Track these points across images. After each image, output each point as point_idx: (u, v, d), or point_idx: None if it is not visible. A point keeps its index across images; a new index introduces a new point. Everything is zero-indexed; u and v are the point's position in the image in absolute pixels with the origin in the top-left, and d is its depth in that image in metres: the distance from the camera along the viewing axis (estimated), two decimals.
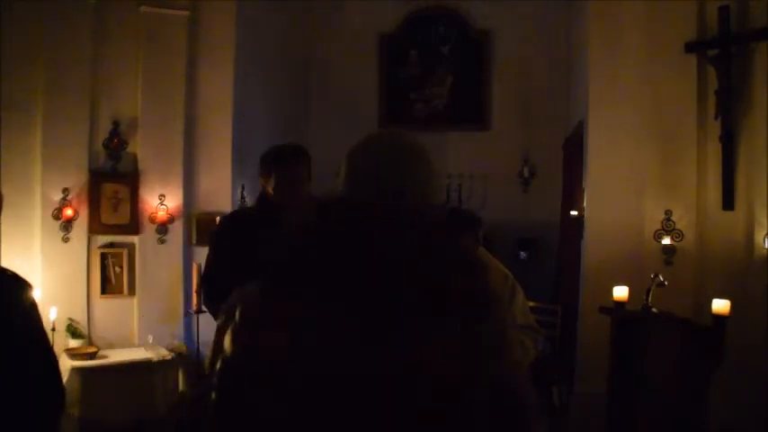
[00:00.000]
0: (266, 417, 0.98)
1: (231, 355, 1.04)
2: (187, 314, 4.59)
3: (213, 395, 1.07)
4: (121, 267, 4.49)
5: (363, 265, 0.96)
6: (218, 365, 1.08)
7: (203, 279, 2.67)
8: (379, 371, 0.94)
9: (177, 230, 4.63)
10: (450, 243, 1.04)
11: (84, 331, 4.31)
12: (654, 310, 3.51)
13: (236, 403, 1.02)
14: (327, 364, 0.96)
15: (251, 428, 1.00)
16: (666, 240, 4.24)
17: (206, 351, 4.27)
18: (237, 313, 1.06)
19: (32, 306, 1.61)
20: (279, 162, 2.49)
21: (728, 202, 4.06)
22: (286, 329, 0.97)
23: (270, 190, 2.52)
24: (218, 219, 4.64)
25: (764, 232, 3.77)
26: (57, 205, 4.28)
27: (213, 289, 2.53)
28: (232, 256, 2.47)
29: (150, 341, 4.35)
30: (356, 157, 1.10)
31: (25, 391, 1.51)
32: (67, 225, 4.30)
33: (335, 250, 0.98)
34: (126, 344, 4.42)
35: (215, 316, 2.76)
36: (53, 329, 4.07)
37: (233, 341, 1.05)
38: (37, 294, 4.05)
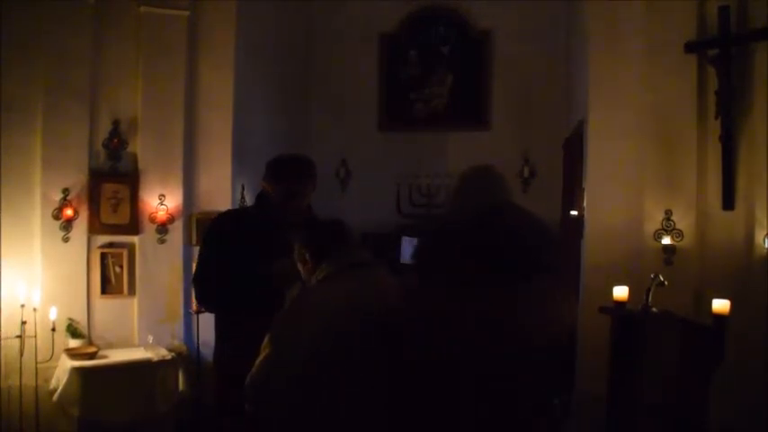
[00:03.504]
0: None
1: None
2: (187, 314, 4.59)
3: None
4: (121, 267, 4.49)
5: (489, 240, 1.79)
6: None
7: (197, 277, 2.59)
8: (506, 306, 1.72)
9: (177, 230, 4.63)
10: (536, 225, 1.91)
11: (84, 331, 4.31)
12: (654, 309, 3.51)
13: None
14: (474, 297, 1.74)
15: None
16: (666, 240, 4.24)
17: (206, 351, 4.27)
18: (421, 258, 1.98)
19: None
20: (284, 178, 2.52)
21: (728, 202, 4.05)
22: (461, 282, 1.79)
23: (271, 192, 2.54)
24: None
25: (764, 232, 3.77)
26: (57, 205, 4.28)
27: (208, 286, 2.53)
28: (231, 254, 2.47)
29: (150, 341, 4.35)
30: (468, 180, 2.04)
31: None
32: (67, 225, 4.30)
33: (474, 233, 1.83)
34: (126, 344, 4.42)
35: (212, 311, 2.78)
36: (53, 329, 4.08)
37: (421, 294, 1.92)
38: (37, 294, 4.10)
